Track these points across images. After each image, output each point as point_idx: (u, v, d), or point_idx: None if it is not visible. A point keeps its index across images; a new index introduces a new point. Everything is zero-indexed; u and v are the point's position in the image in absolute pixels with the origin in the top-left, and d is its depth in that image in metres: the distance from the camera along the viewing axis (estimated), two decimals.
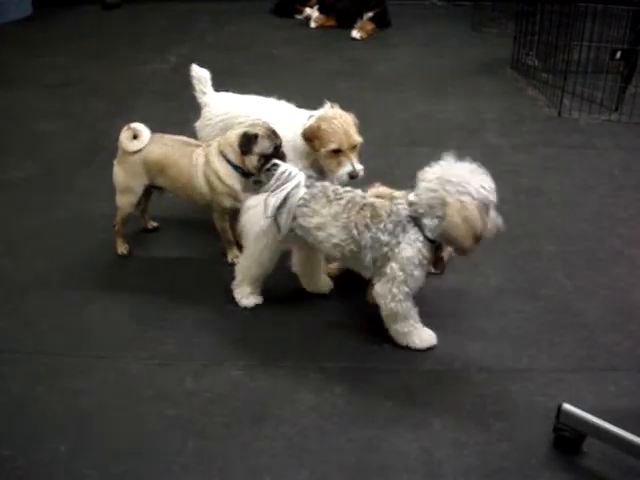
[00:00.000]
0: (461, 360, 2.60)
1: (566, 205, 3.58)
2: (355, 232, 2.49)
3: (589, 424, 2.14)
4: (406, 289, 2.51)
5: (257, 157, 2.89)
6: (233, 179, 2.95)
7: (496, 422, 2.32)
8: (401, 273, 2.47)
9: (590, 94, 4.70)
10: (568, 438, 2.19)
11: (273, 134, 2.91)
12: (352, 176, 2.93)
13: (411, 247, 2.45)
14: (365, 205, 2.52)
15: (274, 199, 2.55)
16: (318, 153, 2.97)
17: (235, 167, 2.93)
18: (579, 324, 2.76)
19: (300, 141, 3.02)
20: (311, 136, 2.96)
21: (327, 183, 2.67)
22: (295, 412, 2.38)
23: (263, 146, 2.88)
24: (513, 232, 3.30)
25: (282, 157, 2.89)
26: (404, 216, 2.45)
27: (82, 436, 2.30)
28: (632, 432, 2.07)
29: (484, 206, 2.37)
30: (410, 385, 2.49)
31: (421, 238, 2.45)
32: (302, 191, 2.56)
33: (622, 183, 3.81)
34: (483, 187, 2.37)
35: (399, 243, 2.45)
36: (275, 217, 2.57)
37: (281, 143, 2.92)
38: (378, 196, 2.65)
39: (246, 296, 2.85)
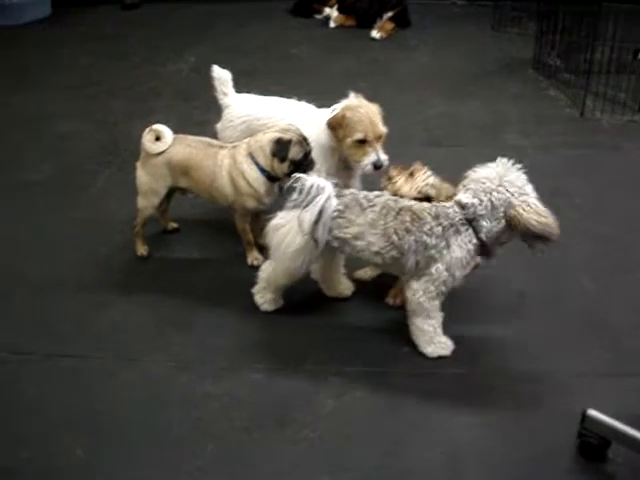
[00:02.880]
0: (483, 364, 2.56)
1: (590, 207, 3.53)
2: (395, 238, 2.46)
3: (614, 430, 2.10)
4: (443, 288, 2.50)
5: (288, 163, 2.86)
6: (259, 182, 2.92)
7: (519, 428, 2.29)
8: (446, 274, 2.46)
9: (613, 94, 4.65)
10: (593, 444, 2.15)
11: (304, 140, 2.88)
12: (377, 166, 2.90)
13: (461, 249, 2.44)
14: (402, 209, 2.48)
15: (309, 215, 2.47)
16: (343, 143, 2.93)
17: (262, 170, 2.91)
18: (604, 328, 2.72)
19: (325, 139, 2.99)
20: (336, 125, 2.92)
21: (355, 190, 2.63)
22: (316, 416, 2.35)
23: (294, 152, 2.85)
24: None
25: (311, 164, 2.87)
26: (457, 219, 2.42)
27: (100, 440, 2.29)
28: None
29: None
30: (431, 390, 2.46)
31: (474, 240, 2.43)
32: (334, 202, 2.51)
33: None
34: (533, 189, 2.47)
35: (449, 246, 2.43)
36: (312, 233, 2.51)
37: (311, 150, 2.89)
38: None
39: (268, 302, 2.82)
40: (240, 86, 3.37)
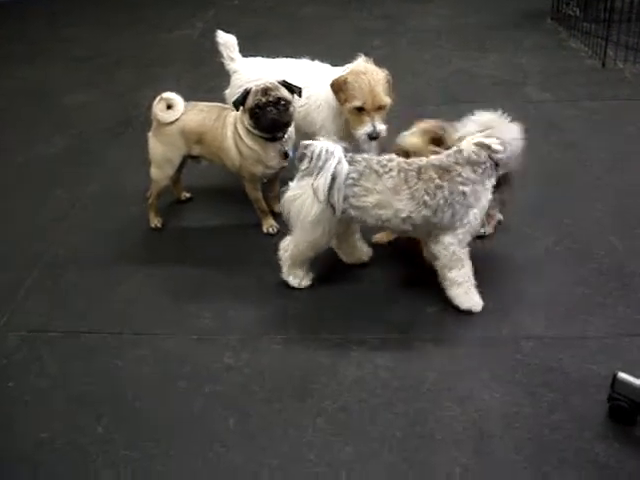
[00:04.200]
0: (509, 327, 2.49)
1: (615, 160, 3.42)
2: (427, 198, 2.41)
3: None
4: (472, 232, 2.52)
5: (247, 113, 2.79)
6: (256, 143, 2.85)
7: (547, 392, 2.23)
8: (480, 218, 2.51)
9: (635, 43, 4.48)
10: (624, 408, 2.09)
11: (263, 91, 2.76)
12: (371, 137, 2.82)
13: (489, 192, 2.49)
14: (421, 168, 2.44)
15: (322, 180, 2.41)
16: (344, 107, 2.85)
17: (252, 131, 2.83)
18: (633, 286, 2.63)
19: (333, 100, 2.91)
20: (338, 88, 2.84)
21: (367, 155, 2.55)
22: (337, 386, 2.31)
23: (250, 101, 2.77)
24: (560, 191, 3.19)
25: (274, 116, 2.76)
26: (489, 163, 2.45)
27: (119, 416, 2.27)
28: None
29: None
30: (456, 354, 2.40)
31: (494, 181, 2.49)
32: (346, 166, 2.44)
33: None
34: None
35: (486, 189, 2.47)
36: (328, 199, 2.44)
37: (273, 101, 2.75)
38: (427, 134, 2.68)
39: (302, 278, 2.74)
40: (248, 50, 3.28)
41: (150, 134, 3.03)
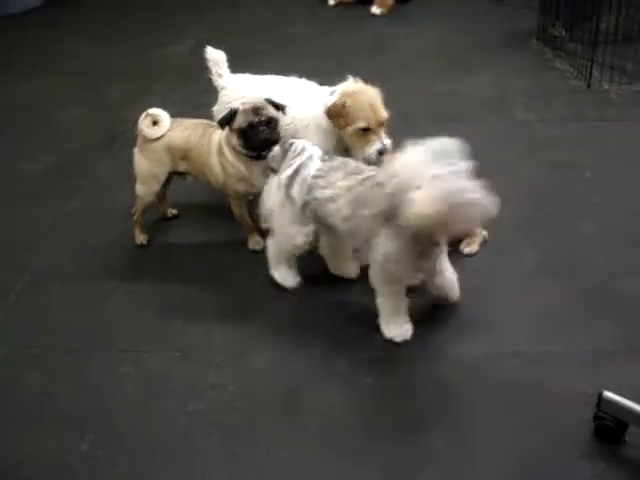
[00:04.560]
0: (494, 345, 2.49)
1: (601, 180, 3.44)
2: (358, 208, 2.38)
3: (632, 412, 2.04)
4: (384, 272, 2.41)
5: (235, 134, 2.78)
6: (240, 161, 2.84)
7: (532, 410, 2.22)
8: (388, 264, 2.36)
9: (620, 64, 4.52)
10: (609, 427, 2.08)
11: (254, 110, 2.75)
12: (381, 153, 2.80)
13: (389, 244, 2.33)
14: (369, 178, 2.40)
15: (287, 171, 2.51)
16: (344, 132, 2.82)
17: (237, 150, 2.82)
18: (619, 304, 2.64)
19: (324, 120, 2.89)
20: (336, 114, 2.80)
21: (351, 160, 2.57)
22: (324, 403, 2.29)
23: (238, 121, 2.75)
24: (546, 209, 3.21)
25: (260, 135, 2.74)
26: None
27: (103, 433, 2.24)
28: None
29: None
30: (441, 373, 2.40)
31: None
32: (316, 163, 2.48)
33: None
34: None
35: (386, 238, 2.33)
36: (287, 188, 2.51)
37: (265, 121, 2.74)
38: None
39: (286, 277, 2.76)
40: (238, 68, 3.29)
41: (135, 150, 3.02)
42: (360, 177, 2.43)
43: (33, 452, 2.18)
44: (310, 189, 2.49)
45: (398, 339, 2.49)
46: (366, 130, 2.78)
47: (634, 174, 3.48)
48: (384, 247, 2.34)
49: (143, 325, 2.69)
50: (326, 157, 2.53)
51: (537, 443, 2.12)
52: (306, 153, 2.51)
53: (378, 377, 2.39)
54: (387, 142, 2.81)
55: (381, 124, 2.81)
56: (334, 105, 2.81)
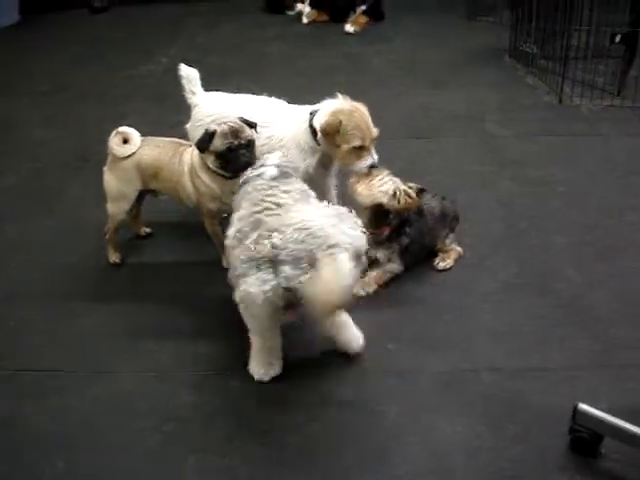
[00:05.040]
0: (470, 360, 2.49)
1: (572, 195, 3.47)
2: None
3: (606, 424, 2.05)
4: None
5: (213, 156, 2.75)
6: (213, 181, 2.82)
7: (509, 425, 2.22)
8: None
9: (591, 80, 4.58)
10: (585, 439, 2.09)
11: (233, 133, 2.72)
12: (372, 167, 2.83)
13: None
14: (267, 209, 2.31)
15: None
16: (337, 149, 2.82)
17: (212, 169, 2.80)
18: (592, 318, 2.65)
19: (303, 138, 2.89)
20: (331, 132, 2.79)
21: (302, 185, 2.48)
22: (301, 422, 2.28)
23: (217, 144, 2.72)
24: (519, 225, 3.22)
25: (240, 158, 2.70)
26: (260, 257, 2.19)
27: (74, 457, 2.20)
28: None
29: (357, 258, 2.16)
30: (418, 388, 2.39)
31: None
32: (272, 169, 2.46)
33: (629, 169, 3.69)
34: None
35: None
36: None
37: (244, 144, 2.72)
38: None
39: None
40: (213, 85, 3.28)
41: (105, 168, 2.99)
42: (258, 199, 2.36)
43: (6, 471, 2.14)
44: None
45: (256, 377, 2.43)
46: (360, 147, 2.80)
47: (606, 188, 3.52)
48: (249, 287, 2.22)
49: (116, 345, 2.65)
50: (284, 176, 2.45)
51: (514, 457, 2.11)
52: (259, 170, 2.48)
53: (353, 393, 2.38)
54: (376, 157, 2.84)
55: (373, 141, 2.83)
56: (330, 123, 2.80)
